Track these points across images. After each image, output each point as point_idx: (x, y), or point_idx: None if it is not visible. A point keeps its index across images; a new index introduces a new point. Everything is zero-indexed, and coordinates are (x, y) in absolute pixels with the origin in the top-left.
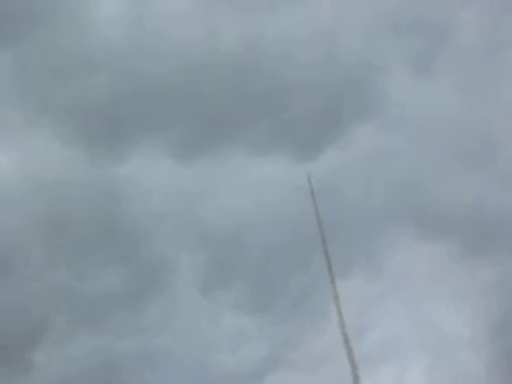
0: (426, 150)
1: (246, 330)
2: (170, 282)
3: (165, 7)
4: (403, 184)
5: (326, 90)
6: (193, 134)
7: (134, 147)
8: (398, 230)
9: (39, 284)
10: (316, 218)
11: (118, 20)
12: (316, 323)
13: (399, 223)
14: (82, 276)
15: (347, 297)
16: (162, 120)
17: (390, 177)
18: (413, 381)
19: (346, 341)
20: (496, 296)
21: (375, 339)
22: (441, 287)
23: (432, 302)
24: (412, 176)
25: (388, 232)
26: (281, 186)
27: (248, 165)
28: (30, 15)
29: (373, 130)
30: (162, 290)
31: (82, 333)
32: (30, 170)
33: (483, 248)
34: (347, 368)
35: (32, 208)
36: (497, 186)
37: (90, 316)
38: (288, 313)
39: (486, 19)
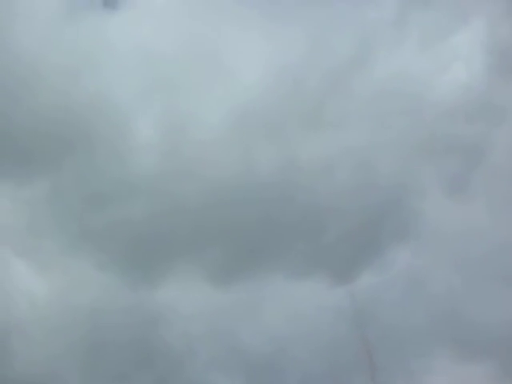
0: (463, 271)
1: None
2: None
3: (199, 134)
4: (441, 305)
5: (363, 213)
6: (230, 258)
7: (171, 272)
8: (436, 351)
9: None
10: (360, 339)
11: (154, 147)
12: None
13: (437, 344)
14: None
15: None
16: (198, 245)
17: (427, 298)
18: None
19: None
20: None
21: None
22: None
23: None
24: (450, 297)
25: (426, 353)
26: (319, 309)
27: (286, 289)
28: (67, 143)
29: (410, 252)
30: None
31: None
32: (67, 297)
33: None
34: None
35: (70, 335)
36: None
37: None
38: None
39: None
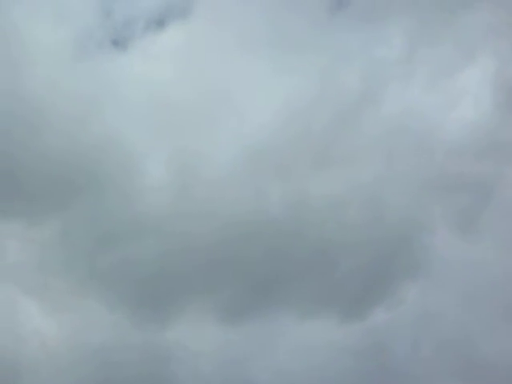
0: (474, 308)
1: None
2: None
3: (209, 174)
4: (452, 342)
5: (373, 249)
6: (240, 296)
7: (181, 311)
8: None
9: None
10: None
11: (163, 187)
12: None
13: (448, 381)
14: None
15: None
16: (208, 283)
17: (438, 335)
18: None
19: None
20: None
21: None
22: None
23: None
24: (461, 334)
25: None
26: (330, 346)
27: (296, 326)
28: (77, 185)
29: (420, 288)
30: None
31: None
32: (77, 335)
33: None
34: None
35: (79, 375)
36: None
37: None
38: None
39: None
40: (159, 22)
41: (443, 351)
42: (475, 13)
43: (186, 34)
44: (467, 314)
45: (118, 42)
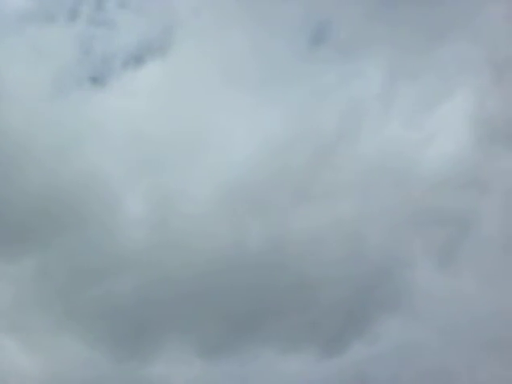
0: (454, 342)
1: None
2: None
3: (187, 209)
4: (432, 376)
5: (353, 283)
6: (220, 332)
7: (161, 348)
8: None
9: None
10: None
11: (142, 222)
12: None
13: None
14: None
15: None
16: (188, 319)
17: (418, 369)
18: None
19: None
20: None
21: None
22: None
23: None
24: (441, 367)
25: None
26: (310, 382)
27: (276, 362)
28: (55, 220)
29: (399, 323)
30: None
31: None
32: (57, 374)
33: None
34: None
35: None
36: None
37: None
38: None
39: (509, 209)
40: (138, 59)
41: None
42: (454, 46)
43: (164, 70)
44: (447, 348)
45: (97, 79)
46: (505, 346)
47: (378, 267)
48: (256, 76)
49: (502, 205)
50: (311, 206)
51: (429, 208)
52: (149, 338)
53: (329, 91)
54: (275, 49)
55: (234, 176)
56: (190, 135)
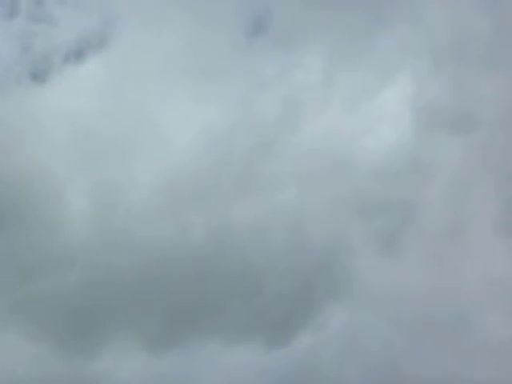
0: (397, 327)
1: None
2: None
3: (130, 203)
4: (378, 362)
5: (296, 273)
6: (165, 325)
7: (106, 342)
8: None
9: None
10: None
11: (85, 219)
12: None
13: None
14: None
15: None
16: (133, 314)
17: (364, 355)
18: None
19: None
20: None
21: None
22: None
23: None
24: (386, 353)
25: None
26: (256, 372)
27: (221, 352)
28: None
29: (344, 310)
30: None
31: None
32: (1, 368)
33: None
34: None
35: None
36: (469, 357)
37: None
38: None
39: (450, 195)
40: (78, 54)
41: (369, 371)
42: (393, 35)
43: (104, 64)
44: (391, 332)
45: (37, 75)
46: (446, 327)
47: (322, 256)
48: (196, 68)
49: (443, 191)
50: (253, 196)
51: (371, 195)
52: (93, 333)
53: (269, 81)
54: (214, 41)
55: (176, 168)
56: (130, 129)
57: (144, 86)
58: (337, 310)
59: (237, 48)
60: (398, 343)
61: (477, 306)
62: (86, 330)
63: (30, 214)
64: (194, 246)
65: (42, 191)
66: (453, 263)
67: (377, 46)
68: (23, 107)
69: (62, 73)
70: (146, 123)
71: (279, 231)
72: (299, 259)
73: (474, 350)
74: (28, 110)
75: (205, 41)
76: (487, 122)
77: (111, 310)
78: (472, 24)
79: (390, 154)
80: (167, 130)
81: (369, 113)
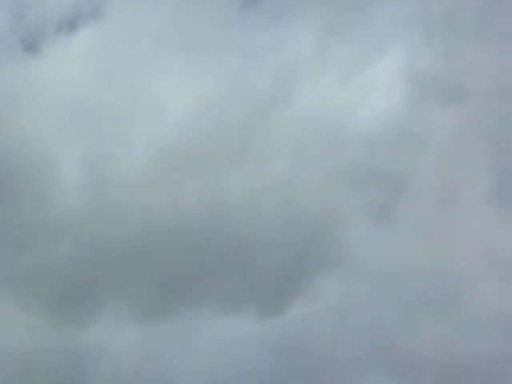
0: (390, 299)
1: None
2: None
3: (124, 173)
4: (369, 334)
5: (289, 244)
6: (157, 295)
7: (99, 313)
8: (365, 378)
9: None
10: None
11: (79, 189)
12: None
13: (366, 372)
14: None
15: None
16: (125, 284)
17: (356, 325)
18: None
19: None
20: None
21: None
22: None
23: None
24: (378, 325)
25: (356, 378)
26: (249, 342)
27: (214, 323)
28: None
29: (337, 281)
30: None
31: None
32: None
33: None
34: None
35: None
36: (462, 331)
37: None
38: None
39: (443, 165)
40: (71, 25)
41: (361, 341)
42: (384, 6)
43: (98, 35)
44: (384, 302)
45: (30, 46)
46: (439, 301)
47: (314, 227)
48: (189, 40)
49: (436, 161)
50: (246, 168)
51: (364, 166)
52: (86, 304)
53: (262, 53)
54: (207, 14)
55: (169, 139)
56: (124, 99)
57: (138, 56)
58: (329, 282)
59: (230, 20)
60: (390, 317)
61: (470, 279)
62: (79, 301)
63: (23, 184)
64: (186, 217)
65: (35, 162)
66: (446, 234)
67: (369, 18)
68: (17, 78)
69: (56, 43)
70: (140, 93)
71: (272, 203)
72: (291, 231)
73: (468, 324)
74: (21, 81)
75: (198, 12)
76: (479, 92)
77: (104, 280)
78: None
79: (382, 125)
80: (161, 101)
81: (361, 84)
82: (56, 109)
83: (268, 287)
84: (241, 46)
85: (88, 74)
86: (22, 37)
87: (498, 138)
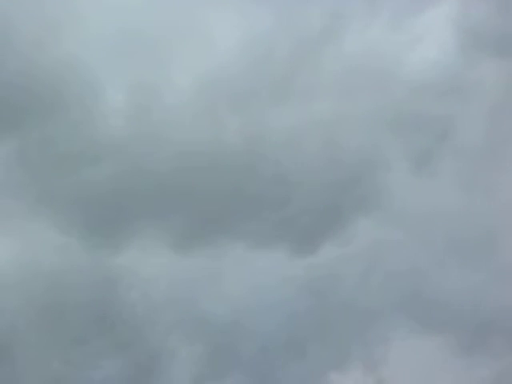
0: (425, 247)
1: None
2: (165, 372)
3: (168, 98)
4: (401, 276)
5: (327, 186)
6: (192, 224)
7: (133, 237)
8: (395, 322)
9: (34, 372)
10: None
11: (122, 110)
12: None
13: (396, 316)
14: (78, 365)
15: None
16: (161, 210)
17: (388, 269)
18: None
19: None
20: None
21: None
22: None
23: None
24: (410, 273)
25: (384, 324)
26: (279, 279)
27: (247, 257)
28: (34, 107)
29: (372, 224)
30: (157, 382)
31: None
32: (27, 257)
33: (480, 344)
34: None
35: (27, 297)
36: (495, 279)
37: None
38: None
39: (488, 117)
40: None
41: (393, 285)
42: None
43: None
44: (418, 248)
45: None
46: (475, 247)
47: (355, 169)
48: None
49: (481, 112)
50: (290, 105)
51: (408, 112)
52: (121, 226)
53: None
54: None
55: (215, 70)
56: (171, 29)
57: None
58: (365, 226)
59: None
60: (424, 266)
61: (506, 230)
62: (114, 223)
63: (64, 108)
64: (227, 151)
65: (80, 82)
66: (485, 186)
67: None
68: (61, 1)
69: None
70: (187, 24)
71: (314, 142)
72: (332, 170)
73: (503, 273)
74: (66, 2)
75: None
76: None
77: (141, 204)
78: None
79: (431, 72)
80: (209, 30)
81: (412, 30)
82: (101, 32)
83: (303, 226)
84: None
85: (135, 0)
86: None
87: None
